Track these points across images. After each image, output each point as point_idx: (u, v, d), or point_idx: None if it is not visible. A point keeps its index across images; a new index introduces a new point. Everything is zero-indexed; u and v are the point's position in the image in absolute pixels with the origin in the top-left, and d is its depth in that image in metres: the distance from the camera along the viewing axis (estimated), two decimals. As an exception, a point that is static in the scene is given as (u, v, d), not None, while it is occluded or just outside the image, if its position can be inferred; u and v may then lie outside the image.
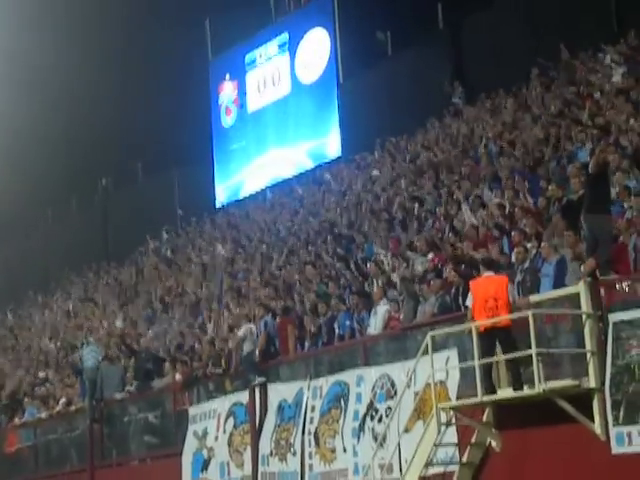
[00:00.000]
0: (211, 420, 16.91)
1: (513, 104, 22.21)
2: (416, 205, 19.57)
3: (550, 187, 15.35)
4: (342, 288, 17.38)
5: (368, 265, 17.49)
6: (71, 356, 21.59)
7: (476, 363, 11.86)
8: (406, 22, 29.31)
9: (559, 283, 12.61)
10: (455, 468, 12.42)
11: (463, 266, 14.61)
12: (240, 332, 16.35)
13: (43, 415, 21.54)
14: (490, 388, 11.68)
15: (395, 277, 16.10)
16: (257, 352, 16.01)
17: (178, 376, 18.10)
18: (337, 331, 16.07)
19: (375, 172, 24.81)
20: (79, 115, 39.39)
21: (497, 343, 11.69)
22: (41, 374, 25.05)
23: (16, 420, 22.34)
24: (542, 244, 13.39)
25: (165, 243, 33.22)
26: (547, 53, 23.73)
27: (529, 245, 13.79)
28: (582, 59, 21.98)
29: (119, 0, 37.59)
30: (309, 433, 14.85)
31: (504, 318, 11.59)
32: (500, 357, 11.96)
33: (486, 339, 11.65)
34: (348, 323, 15.83)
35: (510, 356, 11.53)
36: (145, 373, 18.79)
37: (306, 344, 16.56)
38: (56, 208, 41.80)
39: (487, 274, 12.22)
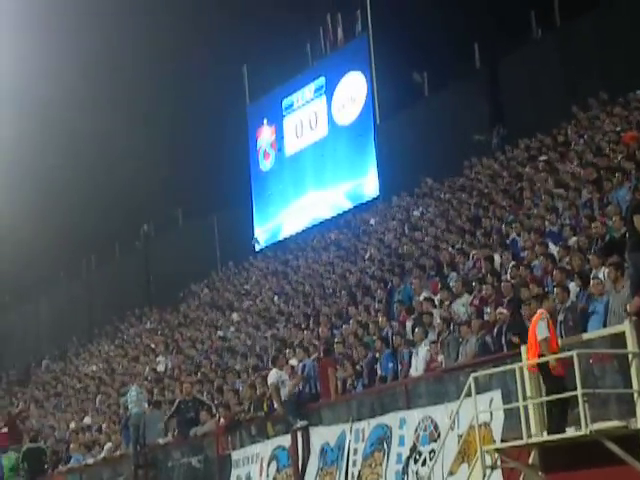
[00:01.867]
0: (254, 465, 16.86)
1: (553, 145, 22.11)
2: (456, 246, 19.48)
3: (593, 225, 15.22)
4: (383, 330, 17.29)
5: (414, 304, 17.38)
6: (122, 410, 21.51)
7: (520, 404, 11.74)
8: (443, 62, 29.42)
9: (607, 322, 12.45)
10: (502, 512, 12.24)
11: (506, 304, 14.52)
12: (271, 378, 16.35)
13: (89, 461, 21.59)
14: (561, 429, 11.28)
15: (436, 319, 15.99)
16: (288, 395, 15.96)
17: (222, 420, 18.08)
18: (379, 372, 15.98)
19: (416, 213, 24.73)
20: (121, 164, 39.92)
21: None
22: (86, 420, 25.14)
23: (60, 467, 22.41)
24: (592, 281, 13.23)
25: (205, 295, 33.33)
26: (586, 92, 23.67)
27: (572, 284, 13.64)
28: (619, 100, 21.88)
29: (157, 47, 38.19)
30: (352, 477, 14.75)
31: (544, 359, 11.38)
32: (546, 398, 11.82)
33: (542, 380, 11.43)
34: (391, 365, 15.75)
35: (547, 398, 11.37)
36: (187, 421, 18.76)
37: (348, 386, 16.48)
38: (99, 255, 42.23)
39: (538, 310, 12.02)
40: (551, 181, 19.23)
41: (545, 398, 11.79)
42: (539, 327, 11.61)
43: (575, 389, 11.19)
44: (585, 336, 12.12)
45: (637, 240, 12.40)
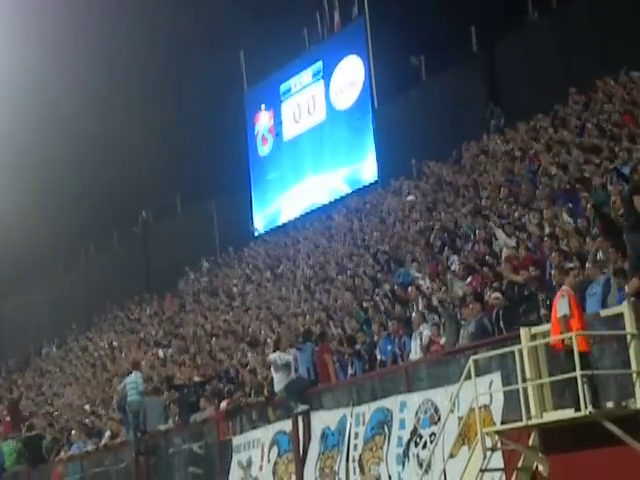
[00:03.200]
0: (255, 449, 16.87)
1: (551, 125, 22.10)
2: (454, 229, 19.49)
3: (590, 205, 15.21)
4: (382, 313, 17.32)
5: (409, 290, 17.40)
6: (116, 394, 21.56)
7: (520, 386, 11.73)
8: (440, 46, 29.34)
9: (606, 303, 12.45)
10: (502, 493, 12.28)
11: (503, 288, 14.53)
12: (271, 360, 16.39)
13: (89, 448, 21.63)
14: (597, 401, 11.11)
15: (435, 301, 16.01)
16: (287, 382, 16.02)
17: (223, 405, 18.10)
18: (379, 357, 16.01)
19: (411, 197, 24.73)
20: (118, 151, 39.86)
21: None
22: (86, 407, 25.18)
23: (62, 454, 22.45)
24: (587, 264, 13.22)
25: (205, 274, 33.34)
26: (582, 73, 23.64)
27: (571, 265, 13.63)
28: (618, 79, 21.84)
29: (154, 34, 38.08)
30: (353, 460, 14.77)
31: (556, 339, 11.34)
32: (546, 379, 11.84)
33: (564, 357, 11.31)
34: (389, 348, 15.77)
35: (560, 377, 11.35)
36: (189, 406, 18.79)
37: (349, 371, 16.51)
38: (97, 241, 42.22)
39: (563, 287, 11.97)
40: (551, 163, 19.21)
41: (547, 379, 11.80)
42: (559, 304, 11.48)
43: (598, 367, 11.17)
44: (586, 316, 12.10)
45: (636, 221, 12.38)
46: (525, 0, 27.52)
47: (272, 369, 16.45)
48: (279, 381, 16.28)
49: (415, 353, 14.97)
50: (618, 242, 12.99)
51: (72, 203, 41.01)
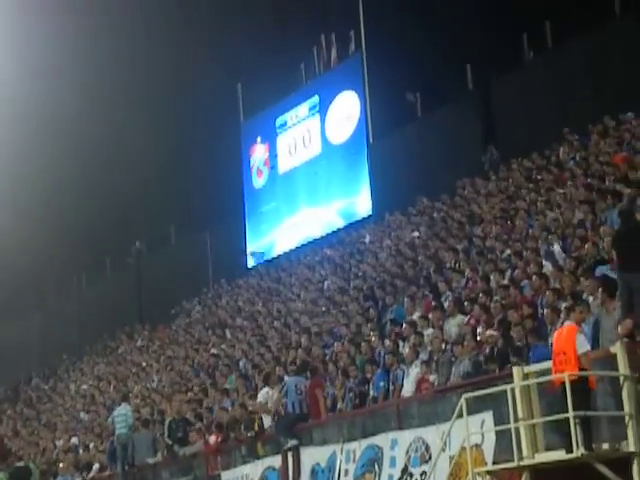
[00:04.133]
0: (244, 485, 16.73)
1: (545, 165, 22.19)
2: (448, 265, 19.47)
3: (586, 246, 15.22)
4: (374, 349, 17.25)
5: (403, 326, 17.34)
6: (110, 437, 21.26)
7: (512, 426, 11.68)
8: (435, 83, 29.55)
9: (596, 344, 12.41)
10: (493, 534, 12.16)
11: (495, 326, 14.51)
12: (260, 397, 16.28)
13: (77, 481, 21.44)
14: (589, 443, 11.05)
15: (427, 338, 15.95)
16: (271, 414, 15.90)
17: (212, 439, 17.98)
18: (371, 393, 15.92)
19: (415, 233, 24.59)
20: (112, 180, 39.88)
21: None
22: (73, 439, 24.98)
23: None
24: (577, 304, 13.19)
25: (197, 313, 33.23)
26: (577, 113, 23.79)
27: (563, 305, 13.62)
28: (609, 122, 21.98)
29: (151, 64, 38.26)
30: (343, 498, 14.65)
31: (558, 377, 11.26)
32: (538, 420, 11.78)
33: (561, 395, 11.17)
34: (382, 384, 15.69)
35: (553, 417, 11.29)
36: (177, 441, 18.66)
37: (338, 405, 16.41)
38: (90, 271, 42.10)
39: (566, 323, 11.88)
40: (544, 202, 19.26)
41: (540, 419, 11.75)
42: (579, 340, 11.39)
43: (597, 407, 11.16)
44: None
45: (626, 261, 12.38)
46: (521, 39, 27.73)
47: (259, 406, 16.36)
48: (268, 417, 16.19)
49: (407, 390, 14.90)
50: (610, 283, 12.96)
51: (65, 232, 40.92)
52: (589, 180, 18.64)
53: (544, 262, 15.91)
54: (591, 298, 13.25)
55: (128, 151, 38.67)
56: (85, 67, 38.71)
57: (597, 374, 11.72)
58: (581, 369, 11.22)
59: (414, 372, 14.89)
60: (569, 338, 11.39)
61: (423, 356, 15.43)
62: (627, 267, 12.38)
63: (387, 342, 17.26)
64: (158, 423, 20.42)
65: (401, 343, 16.76)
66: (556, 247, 16.33)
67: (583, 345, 11.41)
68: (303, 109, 34.64)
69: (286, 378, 17.35)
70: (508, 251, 17.93)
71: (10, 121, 38.62)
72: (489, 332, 14.39)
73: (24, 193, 40.59)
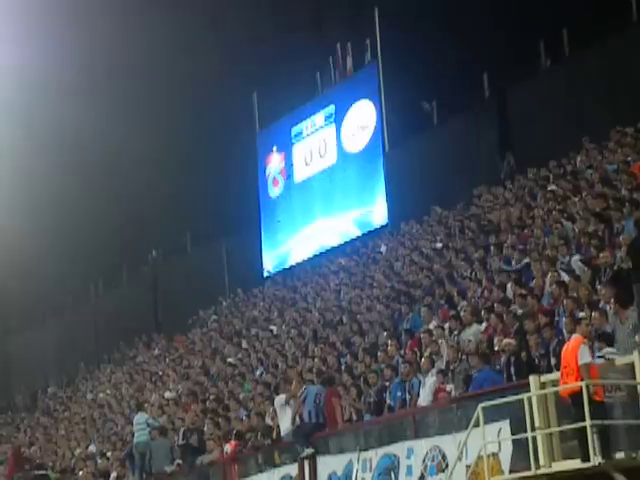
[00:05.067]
0: (261, 493, 16.76)
1: (562, 174, 22.15)
2: (464, 275, 19.46)
3: (601, 255, 15.19)
4: (391, 359, 17.24)
5: (419, 335, 17.33)
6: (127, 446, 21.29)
7: (529, 435, 11.67)
8: (452, 91, 29.55)
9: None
10: (510, 543, 12.14)
11: (512, 335, 14.49)
12: (276, 404, 16.32)
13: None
14: (607, 452, 11.09)
15: (444, 347, 15.94)
16: (291, 421, 15.92)
17: (228, 447, 18.01)
18: (388, 401, 15.91)
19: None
20: (129, 188, 40.06)
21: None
22: (91, 447, 25.06)
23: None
24: (594, 313, 13.19)
25: (213, 322, 33.28)
26: (594, 122, 23.74)
27: (582, 314, 13.60)
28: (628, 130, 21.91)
29: (169, 74, 38.45)
30: (360, 507, 14.65)
31: (567, 387, 11.27)
32: (555, 428, 11.76)
33: (573, 406, 11.23)
34: (399, 394, 15.68)
35: (569, 427, 11.27)
36: (193, 450, 18.71)
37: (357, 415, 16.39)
38: (107, 280, 42.27)
39: (573, 336, 11.86)
40: (560, 211, 19.22)
41: (557, 428, 11.73)
42: (582, 352, 11.44)
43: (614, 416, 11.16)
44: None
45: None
46: (538, 47, 27.70)
47: (278, 412, 16.39)
48: (284, 424, 16.22)
49: (423, 400, 14.89)
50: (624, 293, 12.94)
51: (82, 241, 41.14)
52: (605, 189, 18.58)
53: (561, 272, 15.87)
54: (607, 307, 13.23)
55: (145, 161, 38.84)
56: (102, 78, 38.96)
57: (615, 382, 11.69)
58: (582, 380, 11.26)
59: (431, 381, 14.89)
60: (573, 350, 11.48)
61: (440, 365, 15.42)
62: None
63: (403, 351, 17.27)
64: (174, 432, 20.45)
65: (417, 352, 16.76)
66: (575, 257, 16.29)
67: (584, 356, 11.45)
68: (319, 118, 34.71)
69: (302, 388, 17.34)
70: (525, 260, 17.89)
71: (27, 133, 38.89)
72: (506, 340, 14.37)
73: (41, 203, 40.83)
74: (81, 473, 22.49)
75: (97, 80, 38.87)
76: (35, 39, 38.08)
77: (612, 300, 12.97)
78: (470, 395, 13.79)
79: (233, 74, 36.48)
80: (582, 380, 11.22)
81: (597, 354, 12.48)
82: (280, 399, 16.75)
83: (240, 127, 37.31)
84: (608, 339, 12.45)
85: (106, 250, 41.35)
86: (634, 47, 24.46)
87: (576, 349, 11.44)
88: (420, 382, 15.29)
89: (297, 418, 16.54)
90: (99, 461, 23.34)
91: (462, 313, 16.74)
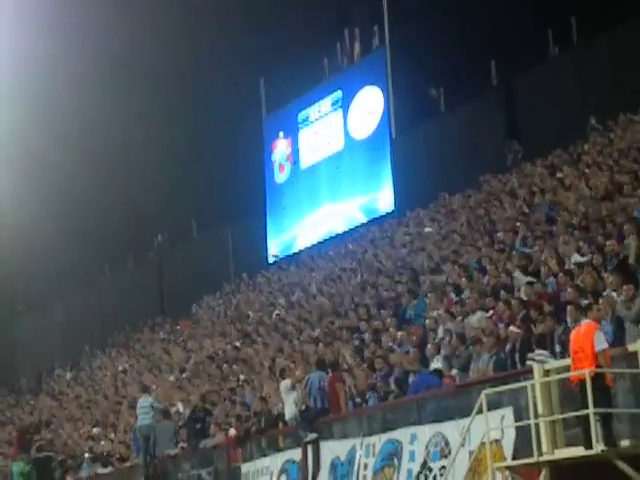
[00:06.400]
0: (264, 477, 16.84)
1: (569, 161, 22.09)
2: (470, 261, 19.44)
3: (608, 243, 15.17)
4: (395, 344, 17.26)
5: (425, 321, 17.35)
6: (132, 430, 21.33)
7: (532, 422, 11.66)
8: (459, 78, 29.44)
9: (617, 341, 12.38)
10: (512, 529, 12.17)
11: (518, 322, 14.49)
12: (282, 389, 16.35)
13: (99, 471, 21.58)
14: (610, 439, 11.11)
15: (448, 333, 15.94)
16: (298, 409, 15.96)
17: (232, 431, 18.06)
18: (392, 387, 15.93)
19: (428, 229, 24.71)
20: (135, 173, 40.06)
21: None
22: (95, 430, 25.15)
23: (69, 476, 22.39)
24: (600, 301, 13.17)
25: (218, 306, 33.32)
26: (600, 108, 23.67)
27: (585, 302, 13.58)
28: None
29: (174, 58, 38.36)
30: (362, 492, 14.69)
31: (574, 374, 11.26)
32: (558, 416, 11.76)
33: (580, 392, 11.24)
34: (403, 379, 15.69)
35: (573, 414, 11.27)
36: (197, 433, 18.77)
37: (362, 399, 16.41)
38: (113, 264, 42.34)
39: (583, 322, 11.87)
40: (567, 198, 19.19)
41: (560, 415, 11.74)
42: (598, 338, 11.39)
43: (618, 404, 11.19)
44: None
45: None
46: (546, 35, 27.60)
47: (283, 397, 16.43)
48: (289, 409, 16.25)
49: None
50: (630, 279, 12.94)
51: (89, 226, 41.16)
52: (614, 175, 18.54)
53: (565, 259, 15.86)
54: (614, 294, 13.21)
55: (150, 146, 38.82)
56: (109, 67, 38.87)
57: (617, 371, 11.69)
58: (598, 366, 11.21)
59: (436, 367, 14.89)
60: (587, 335, 11.40)
61: (444, 351, 15.42)
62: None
63: (407, 337, 17.27)
64: (178, 415, 20.52)
65: (422, 338, 16.76)
66: (577, 244, 16.27)
67: (601, 342, 11.41)
68: (326, 104, 34.64)
69: (306, 374, 17.36)
70: (531, 248, 17.87)
71: (36, 123, 38.88)
72: (512, 328, 14.36)
73: (50, 189, 40.83)
74: (86, 455, 22.56)
75: (104, 68, 38.78)
76: (44, 28, 38.05)
77: (621, 287, 12.94)
78: (474, 382, 13.80)
79: (240, 59, 36.38)
80: (598, 366, 11.16)
81: (527, 356, 12.64)
82: (285, 384, 16.76)
83: (247, 112, 37.25)
84: (620, 324, 12.42)
85: (112, 235, 41.38)
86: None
87: (591, 334, 11.37)
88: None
89: (302, 404, 16.55)
90: (102, 443, 23.43)
91: (468, 300, 16.73)
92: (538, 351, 13.06)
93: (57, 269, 42.30)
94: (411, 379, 15.08)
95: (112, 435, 23.72)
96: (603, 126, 22.77)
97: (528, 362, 12.94)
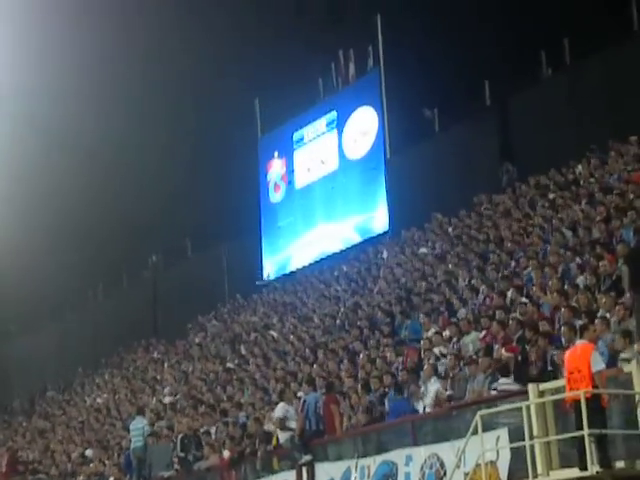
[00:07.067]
0: (258, 499, 16.72)
1: (563, 182, 22.16)
2: (464, 282, 19.45)
3: (601, 264, 15.20)
4: (390, 365, 17.23)
5: (420, 342, 17.33)
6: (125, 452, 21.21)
7: (527, 443, 11.64)
8: (453, 99, 29.56)
9: (611, 362, 12.38)
10: None
11: (515, 343, 14.49)
12: (277, 412, 16.28)
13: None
14: (605, 460, 11.06)
15: (443, 354, 15.92)
16: (296, 433, 15.88)
17: (226, 453, 17.98)
18: (387, 408, 15.88)
19: (423, 250, 24.73)
20: (129, 193, 40.06)
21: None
22: (88, 452, 25.02)
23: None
24: (596, 321, 13.18)
25: (212, 327, 33.25)
26: (596, 131, 23.76)
27: (579, 323, 13.58)
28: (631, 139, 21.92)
29: (170, 79, 38.46)
30: (357, 514, 14.62)
31: (570, 395, 11.22)
32: (553, 437, 11.74)
33: (575, 413, 11.18)
34: (398, 401, 15.63)
35: (568, 435, 11.25)
36: (189, 456, 18.69)
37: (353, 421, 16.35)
38: (107, 284, 42.24)
39: (578, 342, 11.84)
40: (560, 220, 19.22)
41: (555, 436, 11.72)
42: (594, 359, 11.39)
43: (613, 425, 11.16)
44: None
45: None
46: (539, 56, 27.74)
47: (276, 421, 16.37)
48: (284, 433, 16.18)
49: (424, 407, 14.87)
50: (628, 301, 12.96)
51: (82, 245, 41.08)
52: (606, 198, 18.59)
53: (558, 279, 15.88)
54: (608, 315, 13.23)
55: (145, 165, 38.83)
56: (104, 80, 38.95)
57: (613, 392, 11.68)
58: (594, 387, 11.19)
59: (433, 388, 14.86)
60: (584, 356, 11.38)
61: (440, 372, 15.39)
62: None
63: (402, 358, 17.25)
64: (172, 437, 20.41)
65: (416, 359, 16.74)
66: (572, 265, 16.30)
67: (598, 363, 11.41)
68: (321, 124, 34.74)
69: (302, 394, 17.32)
70: (525, 269, 17.88)
71: (27, 136, 38.90)
72: (504, 352, 14.36)
73: (41, 206, 40.80)
74: (81, 478, 22.43)
75: (98, 82, 38.84)
76: (34, 35, 38.04)
77: (617, 308, 12.95)
78: (469, 402, 13.78)
79: (235, 79, 36.48)
80: (595, 387, 11.14)
81: (491, 386, 12.67)
82: (280, 407, 16.68)
83: (242, 132, 37.31)
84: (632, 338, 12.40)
85: (106, 254, 41.32)
86: (635, 56, 24.48)
87: (588, 355, 11.36)
88: (419, 389, 15.27)
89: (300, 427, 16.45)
90: (95, 465, 23.29)
91: (462, 320, 16.72)
92: (502, 380, 13.16)
93: (50, 289, 42.17)
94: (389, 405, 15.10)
95: (105, 458, 23.57)
96: (598, 148, 22.82)
97: (492, 392, 13.10)
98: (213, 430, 19.93)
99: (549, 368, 13.20)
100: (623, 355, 12.06)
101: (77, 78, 38.44)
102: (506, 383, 13.24)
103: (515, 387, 13.01)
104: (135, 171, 39.30)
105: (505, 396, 13.15)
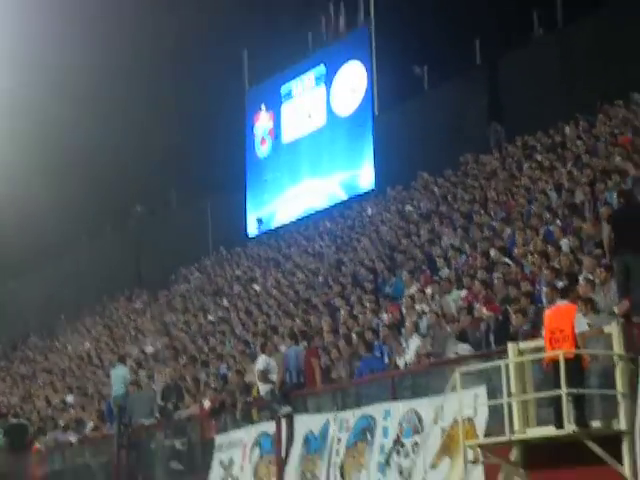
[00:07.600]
0: (237, 449, 16.88)
1: (550, 144, 22.16)
2: (448, 241, 19.51)
3: (584, 226, 15.27)
4: (372, 322, 17.33)
5: (402, 299, 17.42)
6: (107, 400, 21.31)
7: (505, 401, 11.76)
8: (443, 57, 29.40)
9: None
10: (481, 507, 12.29)
11: (497, 302, 14.59)
12: (259, 364, 16.38)
13: (71, 439, 21.58)
14: (582, 419, 11.13)
15: (425, 312, 16.02)
16: (277, 386, 16.00)
17: (207, 403, 18.10)
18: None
19: (408, 207, 24.77)
20: (114, 143, 39.82)
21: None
22: (68, 398, 25.13)
23: (40, 444, 22.34)
24: (581, 282, 13.25)
25: (195, 279, 33.27)
26: (586, 92, 23.71)
27: (560, 284, 13.68)
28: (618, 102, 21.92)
29: (156, 29, 38.04)
30: (335, 466, 14.78)
31: (550, 354, 11.33)
32: (531, 395, 11.87)
33: (554, 372, 11.31)
34: (379, 356, 15.77)
35: (545, 394, 11.37)
36: (170, 404, 18.81)
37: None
38: (90, 234, 42.15)
39: (560, 303, 11.94)
40: (545, 181, 19.26)
41: (533, 395, 11.85)
42: (577, 320, 11.44)
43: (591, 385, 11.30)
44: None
45: (621, 243, 12.42)
46: (531, 16, 27.59)
47: (257, 373, 16.46)
48: (264, 385, 16.28)
49: (404, 362, 14.99)
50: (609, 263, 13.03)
51: (67, 193, 40.90)
52: (593, 160, 18.63)
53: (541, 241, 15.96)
54: (590, 276, 13.31)
55: (131, 117, 38.56)
56: (90, 34, 38.50)
57: (594, 352, 11.78)
58: (577, 348, 11.29)
59: (414, 344, 14.97)
60: (567, 316, 11.43)
61: (420, 329, 15.51)
62: (624, 247, 12.41)
63: (384, 315, 17.35)
64: (153, 386, 20.52)
65: (398, 316, 16.84)
66: (555, 227, 16.36)
67: (581, 325, 11.49)
68: (309, 78, 34.51)
69: (283, 348, 17.41)
70: (509, 229, 17.95)
71: (18, 87, 38.52)
72: (485, 311, 14.46)
73: (27, 158, 40.50)
74: (60, 422, 22.54)
75: (88, 33, 38.43)
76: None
77: (599, 270, 13.03)
78: (448, 360, 13.89)
79: (223, 31, 36.13)
80: (577, 348, 11.22)
81: (452, 349, 12.83)
82: (262, 360, 16.75)
83: (229, 84, 37.04)
84: (594, 306, 12.52)
85: (90, 204, 41.16)
86: (626, 17, 24.38)
87: (572, 316, 11.42)
88: (399, 345, 15.39)
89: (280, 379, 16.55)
90: (75, 410, 23.40)
91: (443, 279, 16.80)
92: (461, 345, 13.34)
93: (34, 237, 42.06)
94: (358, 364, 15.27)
95: (86, 404, 23.69)
96: (588, 111, 22.80)
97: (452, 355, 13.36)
98: (194, 380, 20.03)
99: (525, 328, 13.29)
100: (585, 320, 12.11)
101: (73, 27, 38.00)
102: (466, 349, 13.50)
103: (474, 352, 13.27)
104: (121, 124, 39.02)
105: (484, 354, 13.26)
